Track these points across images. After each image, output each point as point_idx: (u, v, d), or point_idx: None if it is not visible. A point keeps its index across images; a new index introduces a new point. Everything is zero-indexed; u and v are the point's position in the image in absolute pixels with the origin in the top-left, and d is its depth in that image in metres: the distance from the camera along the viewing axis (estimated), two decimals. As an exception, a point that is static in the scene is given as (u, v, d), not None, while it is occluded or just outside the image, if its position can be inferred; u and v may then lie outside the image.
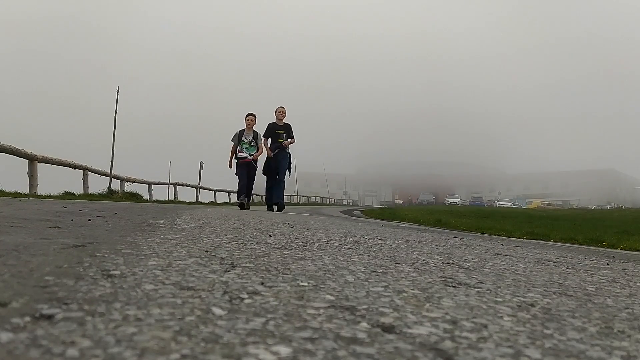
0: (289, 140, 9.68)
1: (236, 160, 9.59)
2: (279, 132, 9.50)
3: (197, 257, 1.21)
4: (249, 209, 8.81)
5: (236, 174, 9.73)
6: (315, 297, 0.83)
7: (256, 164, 9.69)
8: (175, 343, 0.54)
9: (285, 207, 9.47)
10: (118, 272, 0.92)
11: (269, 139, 9.49)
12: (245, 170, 9.52)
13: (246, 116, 9.87)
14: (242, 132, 9.75)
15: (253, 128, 9.77)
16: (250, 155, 9.53)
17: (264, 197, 9.52)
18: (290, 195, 47.76)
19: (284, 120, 9.74)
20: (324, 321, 0.68)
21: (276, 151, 9.36)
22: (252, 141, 9.63)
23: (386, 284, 1.02)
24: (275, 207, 9.41)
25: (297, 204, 40.30)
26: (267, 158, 9.51)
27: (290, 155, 9.70)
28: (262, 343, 0.56)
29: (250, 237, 1.90)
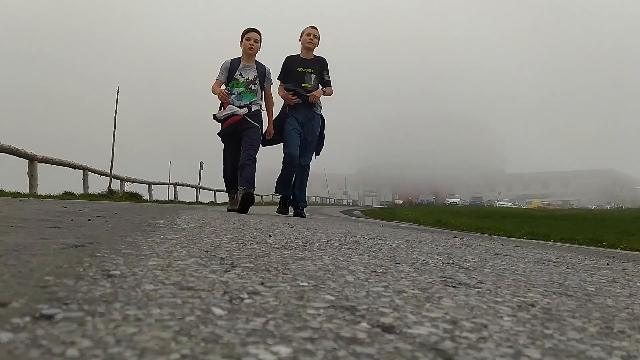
0: (323, 89, 5.29)
1: (222, 117, 5.02)
2: (304, 72, 5.28)
3: (197, 257, 1.21)
4: (244, 211, 4.82)
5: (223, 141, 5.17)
6: (315, 297, 0.83)
7: (259, 125, 5.08)
8: (175, 343, 0.54)
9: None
10: (118, 272, 0.92)
11: (286, 85, 5.33)
12: (235, 140, 5.01)
13: (244, 34, 5.14)
14: (235, 62, 5.11)
15: (256, 58, 5.17)
16: (245, 107, 4.94)
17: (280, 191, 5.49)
18: (290, 195, 47.56)
19: (314, 53, 5.42)
20: (324, 321, 0.68)
21: (296, 100, 5.16)
22: (253, 82, 5.04)
23: (386, 284, 1.02)
24: (290, 209, 5.56)
25: (297, 204, 40.12)
26: (278, 115, 5.34)
27: (322, 118, 5.42)
28: (262, 343, 0.56)
29: (250, 237, 1.90)
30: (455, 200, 62.17)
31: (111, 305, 0.68)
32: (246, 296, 0.80)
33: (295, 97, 5.19)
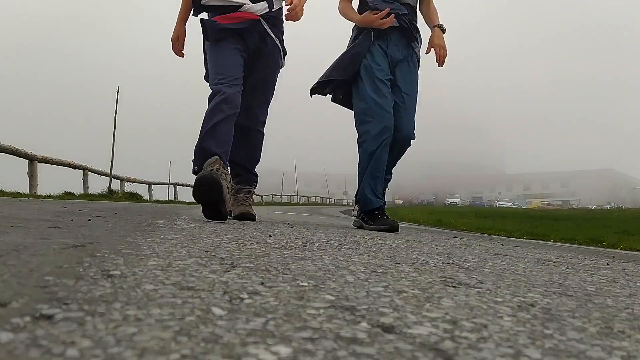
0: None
1: (221, 4, 2.76)
2: None
3: (197, 257, 1.21)
4: (225, 216, 2.58)
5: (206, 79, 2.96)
6: (315, 297, 0.83)
7: (281, 46, 2.92)
8: (175, 343, 0.54)
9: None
10: (118, 272, 0.92)
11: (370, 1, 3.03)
12: (236, 59, 2.73)
13: None
14: None
15: None
16: (262, 1, 2.78)
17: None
18: (290, 196, 47.56)
19: None
20: (324, 321, 0.68)
21: (390, 21, 2.89)
22: None
23: (386, 284, 1.02)
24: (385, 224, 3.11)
25: (297, 204, 40.27)
26: (352, 49, 3.10)
27: (419, 58, 3.17)
28: (262, 343, 0.56)
29: (250, 237, 1.90)
30: (455, 200, 62.28)
31: (111, 305, 0.68)
32: (246, 296, 0.80)
33: (389, 15, 2.93)
